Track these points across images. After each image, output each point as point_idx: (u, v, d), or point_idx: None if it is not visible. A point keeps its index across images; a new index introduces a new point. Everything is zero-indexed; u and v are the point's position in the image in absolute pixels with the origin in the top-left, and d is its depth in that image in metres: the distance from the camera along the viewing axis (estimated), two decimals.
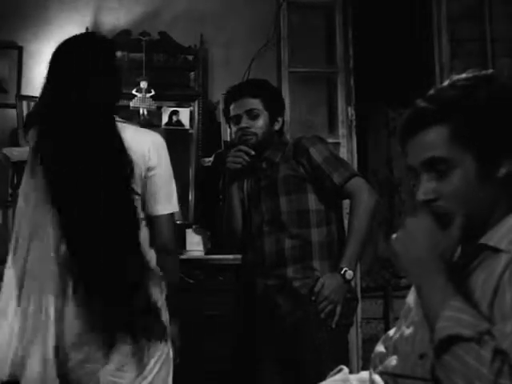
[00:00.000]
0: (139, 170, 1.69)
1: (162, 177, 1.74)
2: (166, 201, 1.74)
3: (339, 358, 2.03)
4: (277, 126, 2.30)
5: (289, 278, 2.14)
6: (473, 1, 3.65)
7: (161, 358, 1.71)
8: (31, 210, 1.68)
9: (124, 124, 1.74)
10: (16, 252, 1.70)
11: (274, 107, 2.28)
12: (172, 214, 1.76)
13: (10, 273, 1.71)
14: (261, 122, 2.24)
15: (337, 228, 2.23)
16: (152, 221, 1.74)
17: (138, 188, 1.70)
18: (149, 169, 1.71)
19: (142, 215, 1.73)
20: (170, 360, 1.77)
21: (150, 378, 1.68)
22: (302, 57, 3.54)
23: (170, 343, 1.77)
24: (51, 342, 1.61)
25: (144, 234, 1.74)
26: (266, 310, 2.21)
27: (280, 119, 2.31)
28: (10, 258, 1.72)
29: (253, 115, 2.23)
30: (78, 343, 1.64)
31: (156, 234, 1.75)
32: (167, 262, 1.76)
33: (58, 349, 1.63)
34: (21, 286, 1.67)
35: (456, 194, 1.05)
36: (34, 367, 1.61)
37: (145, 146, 1.71)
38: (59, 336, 1.64)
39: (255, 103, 2.24)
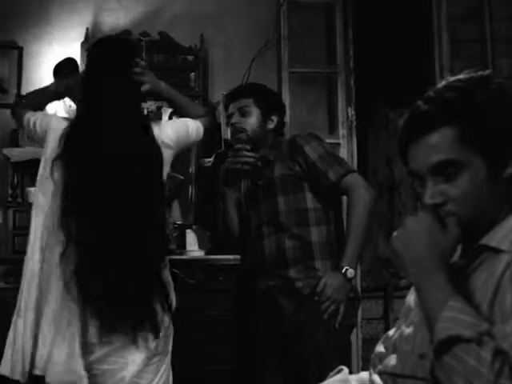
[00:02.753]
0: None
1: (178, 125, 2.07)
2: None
3: (342, 358, 2.04)
4: (271, 125, 2.31)
5: (291, 279, 2.14)
6: (473, 1, 3.64)
7: (168, 365, 1.85)
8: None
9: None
10: (35, 250, 1.74)
11: (266, 105, 2.31)
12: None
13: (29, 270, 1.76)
14: (251, 119, 2.27)
15: (337, 226, 2.23)
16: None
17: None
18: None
19: None
20: (170, 369, 1.88)
21: (161, 382, 1.80)
22: (302, 57, 3.54)
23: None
24: (77, 338, 1.67)
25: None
26: (269, 310, 2.21)
27: (274, 118, 2.32)
28: (29, 255, 1.76)
29: (243, 112, 2.28)
30: (100, 341, 1.69)
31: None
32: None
33: (83, 344, 1.68)
34: (41, 286, 1.72)
35: (465, 197, 1.04)
36: (59, 362, 1.66)
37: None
38: (84, 333, 1.68)
39: (247, 102, 2.28)
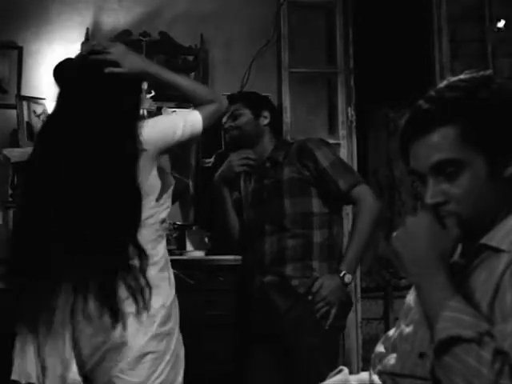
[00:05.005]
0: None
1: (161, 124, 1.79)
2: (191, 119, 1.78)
3: (330, 359, 2.05)
4: (265, 121, 2.35)
5: (287, 276, 2.15)
6: (473, 1, 3.65)
7: (169, 362, 1.74)
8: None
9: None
10: None
11: (255, 103, 2.37)
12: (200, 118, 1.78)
13: None
14: (242, 119, 2.33)
15: (338, 231, 2.24)
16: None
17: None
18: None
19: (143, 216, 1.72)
20: (180, 361, 1.80)
21: (158, 381, 1.71)
22: (302, 57, 3.54)
23: (178, 342, 1.79)
24: (70, 351, 1.65)
25: (146, 235, 1.72)
26: (264, 308, 2.21)
27: (267, 114, 2.36)
28: None
29: (234, 116, 2.34)
30: (92, 350, 1.67)
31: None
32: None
33: (77, 356, 1.66)
34: None
35: (466, 196, 1.04)
36: (54, 373, 1.64)
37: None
38: (76, 344, 1.67)
39: (236, 106, 2.35)
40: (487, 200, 1.05)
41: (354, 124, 3.50)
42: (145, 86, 3.22)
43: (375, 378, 1.21)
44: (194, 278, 2.71)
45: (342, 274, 2.09)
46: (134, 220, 1.66)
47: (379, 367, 1.22)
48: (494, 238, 1.05)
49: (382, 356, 1.27)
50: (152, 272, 1.71)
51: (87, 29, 3.36)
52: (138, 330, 1.67)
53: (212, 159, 3.19)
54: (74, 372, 1.64)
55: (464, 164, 1.04)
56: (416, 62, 3.89)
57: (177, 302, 1.81)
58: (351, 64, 3.53)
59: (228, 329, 2.67)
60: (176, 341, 1.77)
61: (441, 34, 3.57)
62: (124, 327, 1.65)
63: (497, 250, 1.03)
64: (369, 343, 3.50)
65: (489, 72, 1.11)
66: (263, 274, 2.20)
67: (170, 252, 2.97)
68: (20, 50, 3.37)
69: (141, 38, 3.36)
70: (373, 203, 2.16)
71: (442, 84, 1.11)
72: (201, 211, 3.32)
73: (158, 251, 1.76)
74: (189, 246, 3.06)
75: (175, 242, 3.10)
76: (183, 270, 2.72)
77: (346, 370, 1.31)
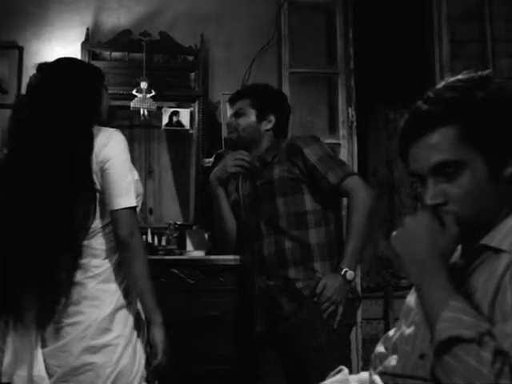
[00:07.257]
0: (94, 166, 1.71)
1: (115, 171, 1.72)
2: (120, 195, 1.71)
3: (342, 357, 2.04)
4: (268, 126, 2.31)
5: (291, 279, 2.14)
6: (473, 1, 3.65)
7: (110, 376, 1.68)
8: None
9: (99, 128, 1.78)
10: None
11: (263, 105, 2.31)
12: (130, 209, 1.72)
13: None
14: (245, 120, 2.30)
15: (335, 228, 2.23)
16: (111, 216, 1.72)
17: (98, 186, 1.73)
18: (101, 162, 1.71)
19: (100, 223, 1.74)
20: (126, 376, 1.71)
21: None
22: (303, 57, 3.54)
23: (126, 356, 1.72)
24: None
25: (98, 244, 1.74)
26: (268, 310, 2.20)
27: (272, 118, 2.32)
28: None
29: (238, 114, 2.31)
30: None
31: (114, 229, 1.72)
32: (126, 257, 1.72)
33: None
34: None
35: (466, 196, 1.04)
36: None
37: (99, 143, 1.72)
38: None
39: (243, 103, 2.32)
40: (487, 200, 1.05)
41: (355, 124, 3.50)
42: (144, 85, 3.22)
43: (375, 377, 1.21)
44: (194, 278, 2.71)
45: (343, 272, 2.08)
46: (74, 227, 1.68)
47: (380, 368, 1.22)
48: (494, 239, 1.05)
49: (382, 356, 1.27)
50: (90, 285, 1.70)
51: (87, 29, 3.37)
52: (70, 342, 1.66)
53: (212, 159, 3.19)
54: (39, 368, 1.65)
55: (463, 164, 1.04)
56: (416, 62, 3.88)
57: (129, 313, 1.76)
58: (351, 64, 3.53)
59: (228, 329, 2.67)
60: (122, 354, 1.70)
61: (441, 33, 3.57)
62: (58, 337, 1.67)
63: (497, 251, 1.03)
64: (369, 343, 3.50)
65: (487, 72, 1.11)
66: (266, 276, 2.19)
67: (171, 252, 2.99)
68: (20, 50, 3.37)
69: (141, 37, 3.36)
70: (365, 194, 2.12)
71: (441, 84, 1.11)
72: (201, 211, 3.32)
73: (104, 263, 1.74)
74: (189, 246, 3.07)
75: (175, 242, 3.10)
76: (183, 269, 2.73)
77: (345, 369, 1.31)
